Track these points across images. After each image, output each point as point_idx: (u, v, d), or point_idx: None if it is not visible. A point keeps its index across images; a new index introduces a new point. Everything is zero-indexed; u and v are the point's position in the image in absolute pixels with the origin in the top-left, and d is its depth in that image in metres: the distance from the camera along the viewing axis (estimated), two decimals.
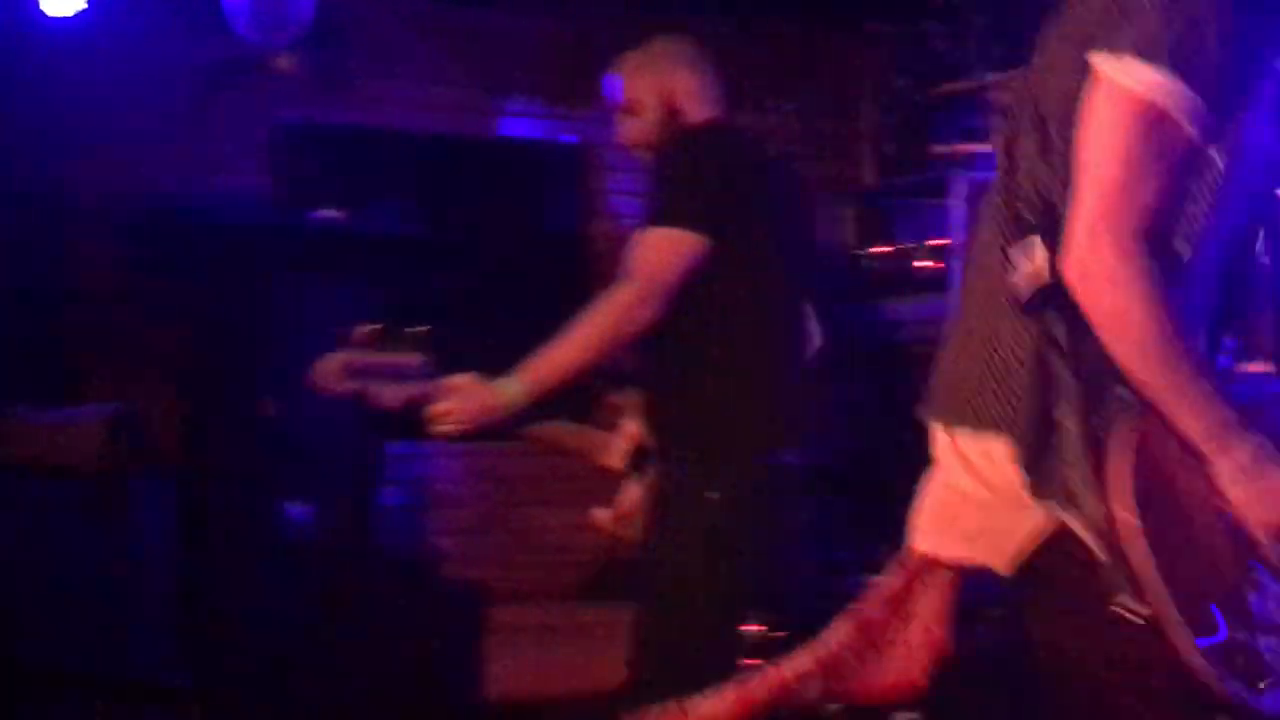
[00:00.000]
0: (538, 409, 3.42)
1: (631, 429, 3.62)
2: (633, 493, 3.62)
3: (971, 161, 5.10)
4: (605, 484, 3.82)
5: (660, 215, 3.37)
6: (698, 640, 3.41)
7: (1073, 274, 1.99)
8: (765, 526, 3.46)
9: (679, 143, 3.58)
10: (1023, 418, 2.13)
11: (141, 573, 4.67)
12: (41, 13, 4.61)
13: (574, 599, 5.54)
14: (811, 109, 6.04)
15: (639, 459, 3.63)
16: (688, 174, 3.47)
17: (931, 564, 2.30)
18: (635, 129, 3.66)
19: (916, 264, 5.23)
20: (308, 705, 4.77)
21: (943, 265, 5.02)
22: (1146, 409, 2.06)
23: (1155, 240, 2.03)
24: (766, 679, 2.44)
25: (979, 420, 2.15)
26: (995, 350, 2.14)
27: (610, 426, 3.81)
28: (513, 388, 3.24)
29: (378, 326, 3.39)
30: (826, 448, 5.21)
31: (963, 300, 2.27)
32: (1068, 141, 2.04)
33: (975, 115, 5.50)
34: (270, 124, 5.04)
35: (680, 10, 5.51)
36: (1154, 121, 1.97)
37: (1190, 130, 1.95)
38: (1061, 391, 2.11)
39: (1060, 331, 2.09)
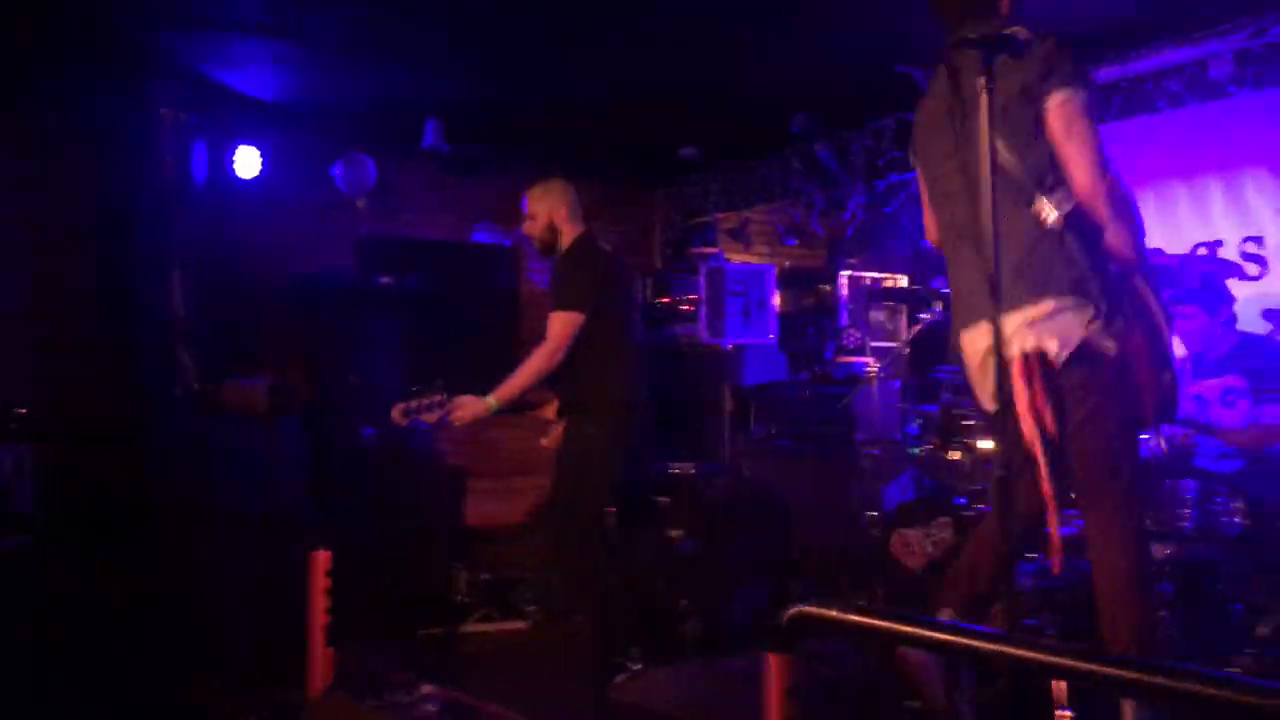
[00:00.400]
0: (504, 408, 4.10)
1: (553, 402, 4.29)
2: (556, 430, 4.26)
3: (707, 258, 6.77)
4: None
5: (562, 301, 4.07)
6: (584, 509, 4.15)
7: (1093, 195, 2.63)
8: (621, 447, 4.18)
9: (566, 251, 4.22)
10: (1066, 282, 2.66)
11: (288, 463, 5.73)
12: (235, 174, 6.04)
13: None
14: (631, 230, 7.78)
15: (558, 415, 4.27)
16: (573, 273, 4.15)
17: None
18: (531, 228, 4.31)
19: (682, 308, 6.77)
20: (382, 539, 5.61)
21: (693, 309, 6.62)
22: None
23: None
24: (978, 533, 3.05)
25: (1019, 299, 2.68)
26: (1028, 264, 2.67)
27: (542, 402, 4.36)
28: (491, 401, 4.01)
29: (417, 387, 4.10)
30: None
31: (961, 275, 2.94)
32: (1029, 146, 2.67)
33: (710, 233, 7.45)
34: (356, 236, 6.51)
35: (564, 171, 7.46)
36: (1090, 114, 2.70)
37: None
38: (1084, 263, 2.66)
39: (1077, 235, 2.64)
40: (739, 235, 7.44)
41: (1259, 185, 4.92)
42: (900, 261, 7.48)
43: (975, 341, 2.87)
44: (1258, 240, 4.91)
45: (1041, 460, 2.64)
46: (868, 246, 7.59)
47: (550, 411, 4.24)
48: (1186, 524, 3.92)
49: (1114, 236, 2.63)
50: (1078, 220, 2.62)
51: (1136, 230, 2.67)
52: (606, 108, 6.40)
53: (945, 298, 5.15)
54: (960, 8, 2.81)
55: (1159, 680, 1.43)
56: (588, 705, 3.99)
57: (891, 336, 6.98)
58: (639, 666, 4.31)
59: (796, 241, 7.50)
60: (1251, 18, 4.70)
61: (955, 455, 4.60)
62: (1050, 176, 2.64)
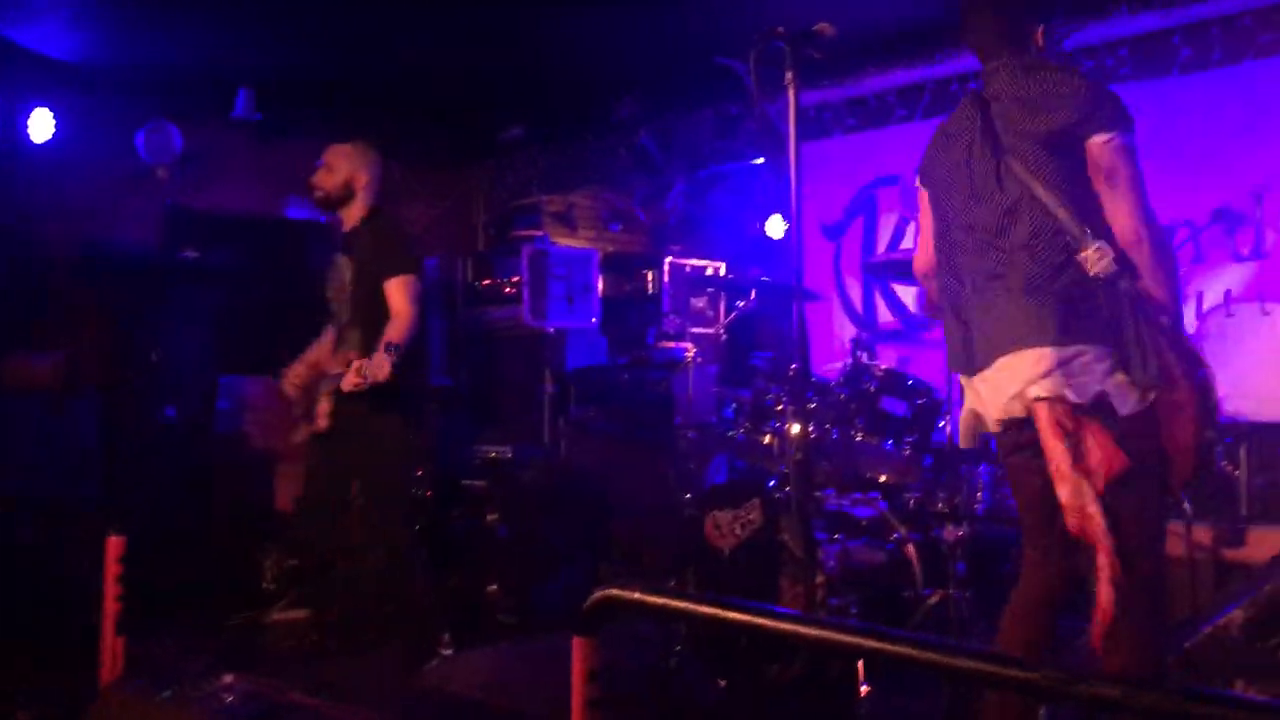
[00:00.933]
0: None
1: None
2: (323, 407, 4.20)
3: (530, 240, 6.66)
4: None
5: (402, 266, 4.13)
6: (394, 490, 4.24)
7: (1137, 241, 2.51)
8: (422, 421, 4.45)
9: (378, 219, 4.25)
10: (1104, 331, 2.52)
11: (81, 443, 5.55)
12: (29, 138, 5.73)
13: None
14: (453, 209, 7.75)
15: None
16: (401, 239, 4.28)
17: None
18: (325, 179, 4.24)
19: (505, 290, 6.55)
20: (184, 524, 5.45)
21: (515, 291, 6.47)
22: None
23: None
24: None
25: (1023, 343, 2.52)
26: (1041, 303, 2.51)
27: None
28: (391, 359, 3.88)
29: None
30: (458, 380, 6.76)
31: (966, 297, 2.66)
32: (1070, 189, 2.54)
33: (534, 216, 7.39)
34: (162, 207, 6.17)
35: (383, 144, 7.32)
36: (1134, 155, 2.58)
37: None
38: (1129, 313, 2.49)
39: (1128, 282, 2.49)
40: (564, 219, 7.43)
41: None
42: (720, 249, 7.63)
43: (999, 384, 2.61)
44: None
45: (1098, 532, 2.40)
46: (689, 234, 7.70)
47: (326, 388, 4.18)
48: (979, 506, 4.11)
49: (1154, 285, 2.48)
50: (1120, 266, 2.50)
51: (1176, 280, 2.55)
52: (429, 81, 6.29)
53: (762, 285, 5.34)
54: (994, 38, 2.70)
55: (938, 658, 1.50)
56: (394, 691, 3.97)
57: (710, 323, 7.10)
58: (449, 652, 4.32)
59: (620, 227, 7.56)
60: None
61: (767, 439, 4.68)
62: (1095, 221, 2.52)
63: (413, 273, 4.17)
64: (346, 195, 4.27)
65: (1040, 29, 2.72)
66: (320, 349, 4.36)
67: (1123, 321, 2.49)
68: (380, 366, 3.86)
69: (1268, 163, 4.60)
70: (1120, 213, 2.51)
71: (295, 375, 4.32)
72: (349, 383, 3.87)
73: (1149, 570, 2.54)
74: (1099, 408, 2.45)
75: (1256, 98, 4.60)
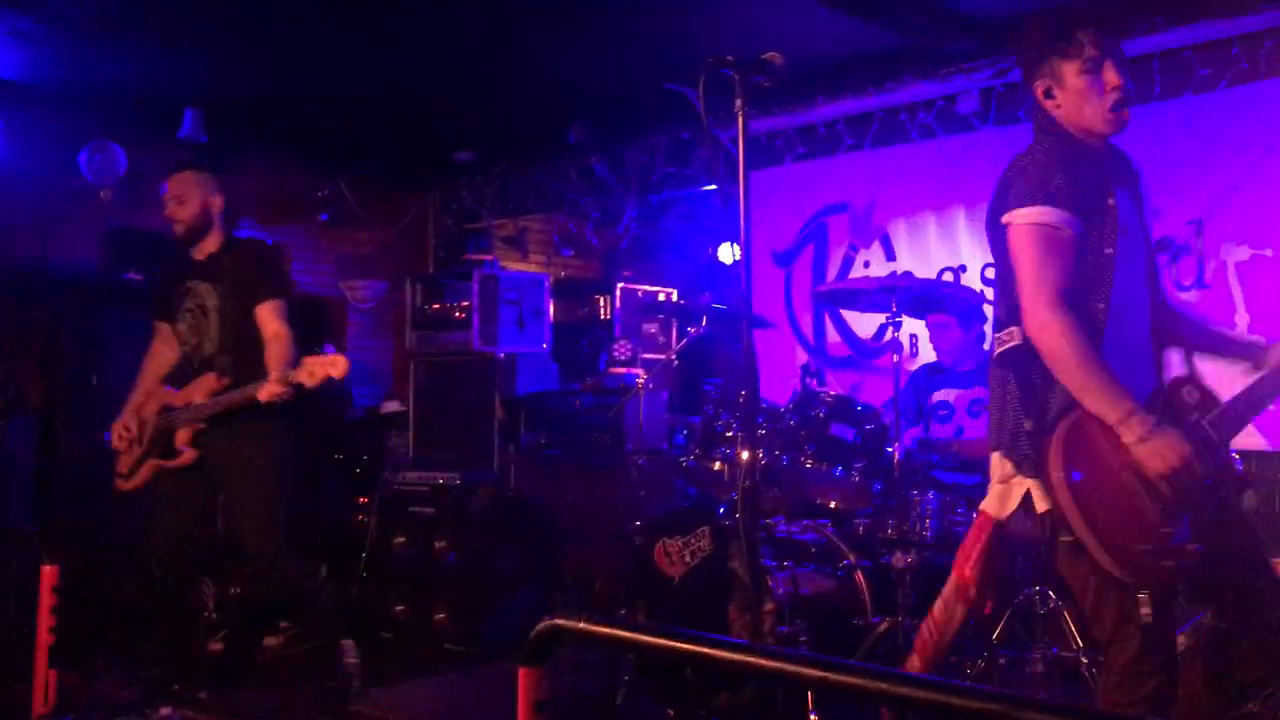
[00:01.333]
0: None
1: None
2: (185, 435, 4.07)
3: (481, 264, 6.61)
4: None
5: (278, 290, 4.13)
6: (273, 500, 4.11)
7: (1029, 330, 2.44)
8: (300, 443, 4.25)
9: (243, 244, 4.28)
10: (1005, 432, 2.49)
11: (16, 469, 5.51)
12: None
13: None
14: (403, 233, 7.70)
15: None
16: (276, 263, 4.28)
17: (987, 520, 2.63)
18: (181, 211, 4.19)
19: (455, 314, 6.54)
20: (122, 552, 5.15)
21: (465, 316, 6.44)
22: (1075, 410, 2.40)
23: (1073, 300, 2.42)
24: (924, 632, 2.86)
25: (994, 443, 2.56)
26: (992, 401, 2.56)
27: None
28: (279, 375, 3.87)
29: None
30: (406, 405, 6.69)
31: None
32: (1002, 273, 2.55)
33: (485, 240, 7.39)
34: (105, 228, 6.13)
35: (332, 165, 7.29)
36: (1041, 233, 2.44)
37: (1068, 232, 2.43)
38: (1021, 409, 2.45)
39: (1018, 372, 2.46)
40: (516, 243, 7.43)
41: None
42: (672, 275, 7.66)
43: None
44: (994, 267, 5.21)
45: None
46: (641, 259, 7.73)
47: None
48: (928, 534, 4.12)
49: (1057, 374, 2.41)
50: (1016, 356, 2.47)
51: (1082, 370, 2.39)
52: (380, 104, 6.26)
53: (713, 311, 5.32)
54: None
55: (887, 687, 1.49)
56: None
57: (662, 349, 7.11)
58: (358, 684, 4.24)
59: (572, 252, 7.57)
60: (992, 60, 5.05)
61: (717, 465, 4.66)
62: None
63: (283, 297, 4.14)
64: (205, 223, 4.22)
65: (1038, 87, 2.69)
66: (144, 394, 4.23)
67: (1004, 409, 2.51)
68: (307, 372, 3.81)
69: (1207, 194, 4.70)
70: (1021, 296, 2.47)
71: (124, 428, 4.17)
72: (269, 392, 3.80)
73: (1124, 662, 2.43)
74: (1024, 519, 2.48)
75: (1196, 131, 4.70)
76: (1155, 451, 2.33)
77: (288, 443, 4.14)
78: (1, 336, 5.85)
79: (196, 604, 4.27)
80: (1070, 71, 2.58)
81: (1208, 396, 2.54)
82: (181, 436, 4.08)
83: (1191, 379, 2.59)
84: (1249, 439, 4.54)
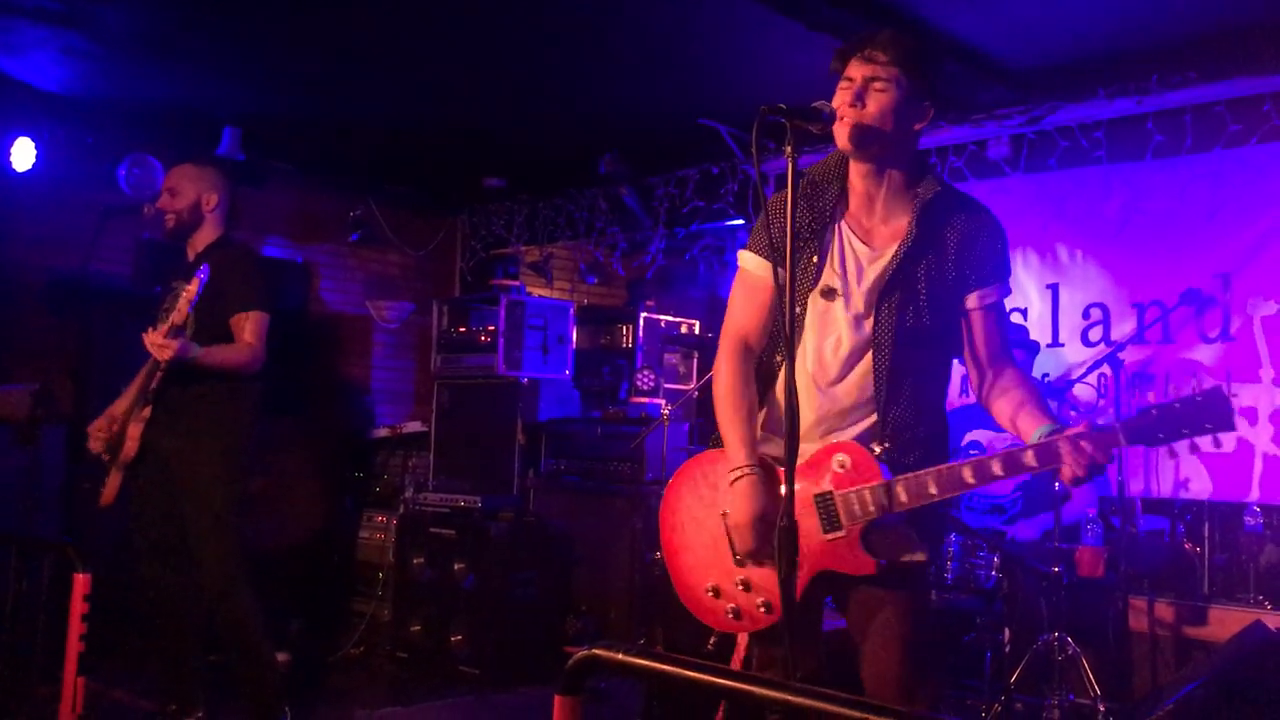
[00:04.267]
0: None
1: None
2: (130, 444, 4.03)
3: (508, 289, 6.71)
4: None
5: (255, 302, 4.01)
6: (218, 511, 4.01)
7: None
8: (252, 461, 4.17)
9: (231, 248, 4.13)
10: None
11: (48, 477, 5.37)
12: (10, 167, 5.64)
13: None
14: (431, 256, 7.77)
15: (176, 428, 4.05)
16: (257, 272, 4.11)
17: None
18: (173, 203, 4.11)
19: (480, 338, 6.63)
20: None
21: (490, 340, 6.52)
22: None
23: (743, 341, 2.59)
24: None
25: None
26: None
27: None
28: (199, 352, 3.84)
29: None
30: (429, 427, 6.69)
31: None
32: None
33: (512, 266, 7.45)
34: (135, 239, 6.25)
35: (363, 187, 7.39)
36: (740, 275, 2.63)
37: (760, 274, 2.58)
38: None
39: None
40: (541, 269, 7.48)
41: (1026, 262, 5.28)
42: (696, 307, 7.70)
43: None
44: (1023, 313, 5.27)
45: None
46: (666, 290, 7.77)
47: (143, 414, 4.01)
48: (949, 575, 4.17)
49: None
50: None
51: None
52: (411, 130, 6.34)
53: None
54: None
55: None
56: None
57: (683, 379, 7.16)
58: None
59: (597, 279, 7.62)
60: (1024, 107, 5.10)
61: None
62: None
63: (264, 309, 4.02)
64: (196, 219, 4.13)
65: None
66: (126, 400, 4.14)
67: None
68: (172, 348, 3.74)
69: (1235, 248, 4.74)
70: None
71: (99, 429, 4.10)
72: (159, 351, 3.76)
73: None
74: None
75: (1226, 185, 4.75)
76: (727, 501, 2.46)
77: (218, 455, 4.02)
78: (37, 347, 5.91)
79: (189, 619, 4.13)
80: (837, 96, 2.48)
81: (861, 472, 2.41)
82: (132, 428, 4.01)
83: (858, 448, 2.44)
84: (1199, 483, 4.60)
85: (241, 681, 4.09)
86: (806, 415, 2.47)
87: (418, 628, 5.86)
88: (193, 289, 3.73)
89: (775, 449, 2.43)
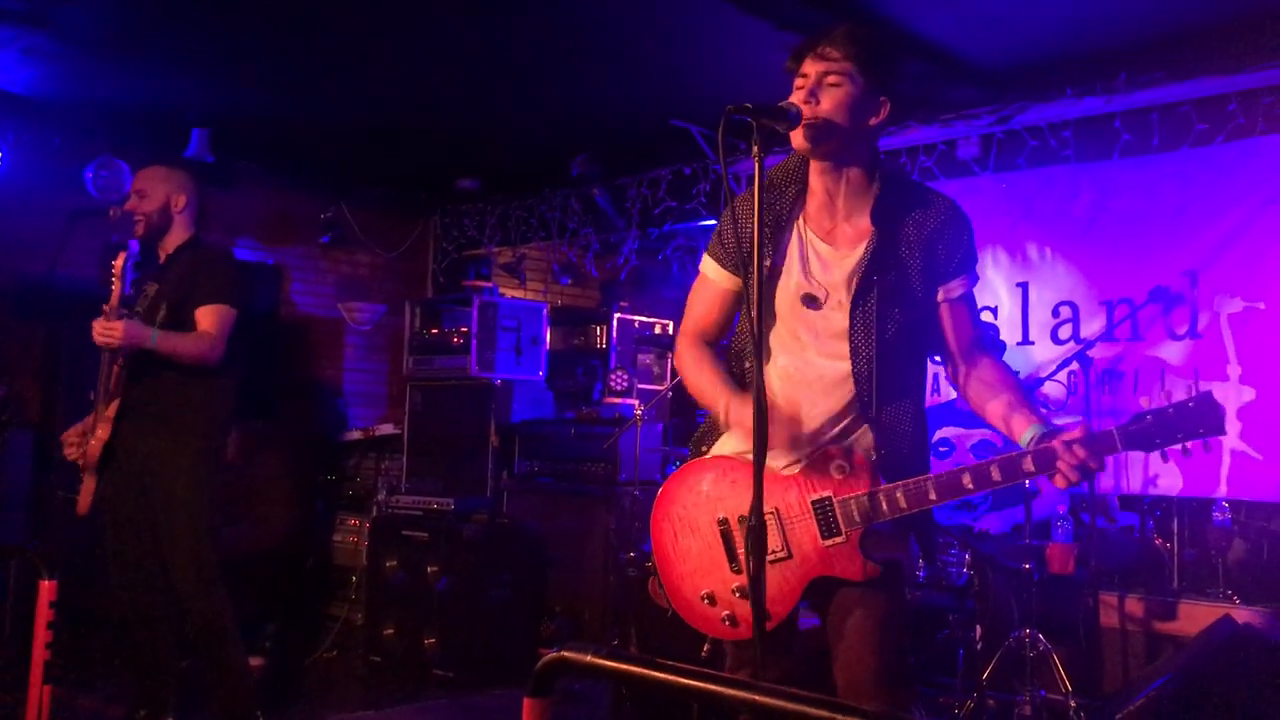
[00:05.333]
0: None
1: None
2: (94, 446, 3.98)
3: (481, 290, 6.67)
4: None
5: (221, 295, 3.97)
6: (205, 532, 4.02)
7: None
8: (219, 459, 4.14)
9: (203, 246, 4.10)
10: None
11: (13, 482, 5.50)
12: None
13: None
14: (403, 257, 7.72)
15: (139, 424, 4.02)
16: (227, 268, 4.08)
17: None
18: (142, 205, 4.08)
19: (453, 340, 6.60)
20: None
21: (463, 341, 6.49)
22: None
23: (700, 333, 2.64)
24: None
25: None
26: None
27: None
28: (156, 336, 3.82)
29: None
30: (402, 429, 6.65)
31: None
32: None
33: (485, 267, 7.43)
34: (104, 241, 5.96)
35: (334, 189, 7.34)
36: (698, 278, 2.64)
37: (713, 279, 2.60)
38: None
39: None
40: (514, 270, 7.45)
41: (996, 261, 5.30)
42: (669, 307, 7.69)
43: None
44: (993, 311, 5.29)
45: None
46: (639, 290, 7.76)
47: (108, 414, 3.97)
48: (920, 573, 4.17)
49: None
50: None
51: None
52: (383, 131, 6.31)
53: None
54: None
55: None
56: None
57: (657, 380, 7.15)
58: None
59: (570, 280, 7.60)
60: (993, 107, 5.12)
61: None
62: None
63: (228, 302, 3.97)
64: (165, 221, 4.10)
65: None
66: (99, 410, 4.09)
67: None
68: (131, 330, 3.72)
69: (1202, 245, 4.76)
70: None
71: (73, 436, 4.07)
72: (104, 338, 3.74)
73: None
74: None
75: (1193, 183, 4.77)
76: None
77: (188, 456, 3.99)
78: (3, 352, 5.84)
79: (163, 626, 4.09)
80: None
81: (859, 477, 2.39)
82: (100, 429, 3.97)
83: (856, 453, 2.42)
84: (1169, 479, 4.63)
85: (213, 687, 4.07)
86: (794, 422, 2.46)
87: (391, 631, 5.81)
88: (119, 263, 3.72)
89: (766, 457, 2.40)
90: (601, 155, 6.39)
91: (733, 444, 2.55)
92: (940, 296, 2.52)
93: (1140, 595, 4.45)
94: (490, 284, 6.96)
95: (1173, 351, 4.79)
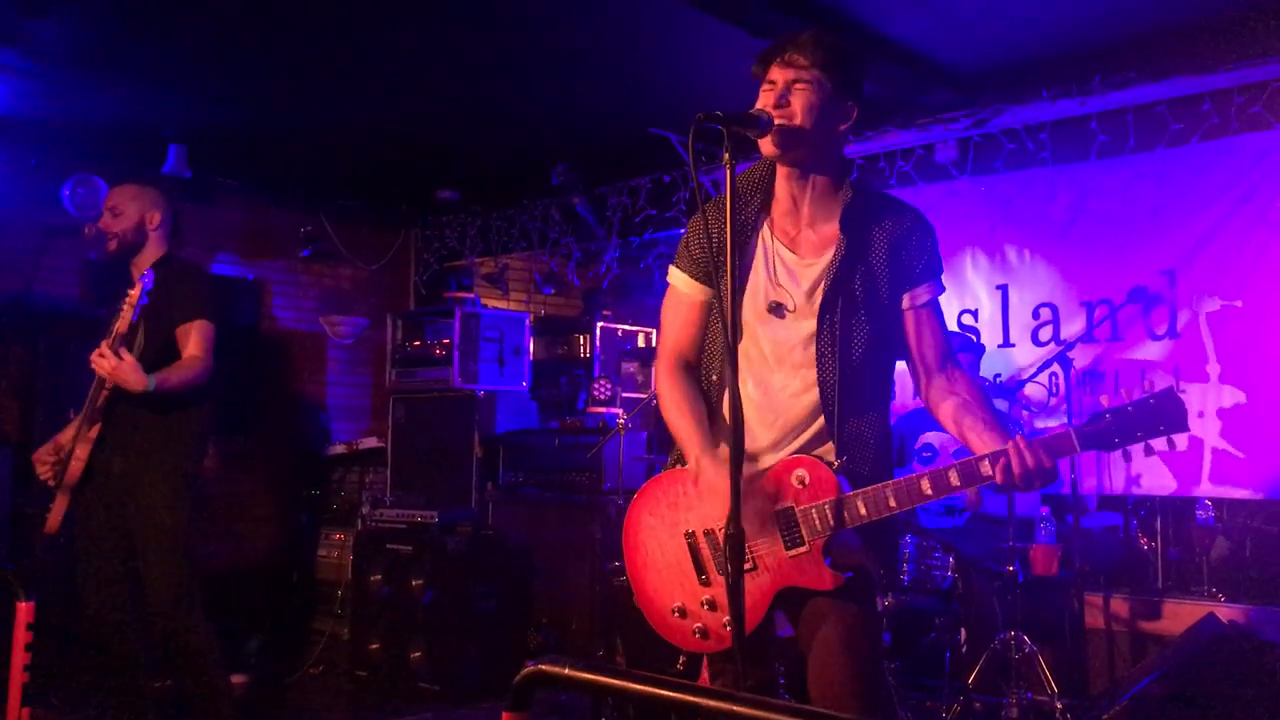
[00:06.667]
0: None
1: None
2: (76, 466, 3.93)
3: (463, 302, 6.66)
4: None
5: (202, 312, 3.97)
6: (181, 528, 3.96)
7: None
8: (200, 476, 4.09)
9: (178, 263, 4.07)
10: None
11: None
12: None
13: None
14: (384, 270, 7.70)
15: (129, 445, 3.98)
16: (205, 286, 4.09)
17: None
18: (115, 224, 4.06)
19: (435, 351, 6.59)
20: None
21: (446, 353, 6.48)
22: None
23: (678, 357, 2.59)
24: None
25: None
26: None
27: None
28: (152, 383, 3.77)
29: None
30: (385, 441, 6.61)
31: None
32: None
33: (467, 278, 7.40)
34: (81, 259, 6.09)
35: (313, 202, 7.32)
36: (668, 293, 2.62)
37: (685, 292, 2.58)
38: None
39: None
40: (497, 281, 7.44)
41: (976, 264, 5.31)
42: (652, 315, 7.68)
43: None
44: (974, 313, 5.30)
45: None
46: (622, 299, 7.76)
47: (90, 435, 3.93)
48: (905, 577, 4.16)
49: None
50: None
51: None
52: (362, 144, 6.29)
53: None
54: None
55: None
56: None
57: (641, 388, 7.13)
58: None
59: (553, 290, 7.58)
60: (970, 111, 5.13)
61: None
62: None
63: (209, 319, 3.98)
64: (139, 239, 4.09)
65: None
66: (74, 427, 4.04)
67: None
68: (129, 371, 3.67)
69: (1180, 245, 4.79)
70: None
71: (45, 457, 4.02)
72: (100, 362, 3.67)
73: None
74: None
75: (1169, 183, 4.80)
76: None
77: (171, 475, 3.97)
78: None
79: (134, 646, 4.04)
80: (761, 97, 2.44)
81: (821, 486, 2.37)
82: (79, 449, 3.94)
83: (816, 462, 2.39)
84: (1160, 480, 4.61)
85: (193, 706, 4.03)
86: (760, 432, 2.45)
87: (376, 645, 5.78)
88: (135, 293, 3.69)
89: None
90: (581, 164, 6.39)
91: None
92: (905, 304, 2.50)
93: (1125, 595, 4.46)
94: (472, 295, 6.94)
95: (1153, 351, 4.81)
